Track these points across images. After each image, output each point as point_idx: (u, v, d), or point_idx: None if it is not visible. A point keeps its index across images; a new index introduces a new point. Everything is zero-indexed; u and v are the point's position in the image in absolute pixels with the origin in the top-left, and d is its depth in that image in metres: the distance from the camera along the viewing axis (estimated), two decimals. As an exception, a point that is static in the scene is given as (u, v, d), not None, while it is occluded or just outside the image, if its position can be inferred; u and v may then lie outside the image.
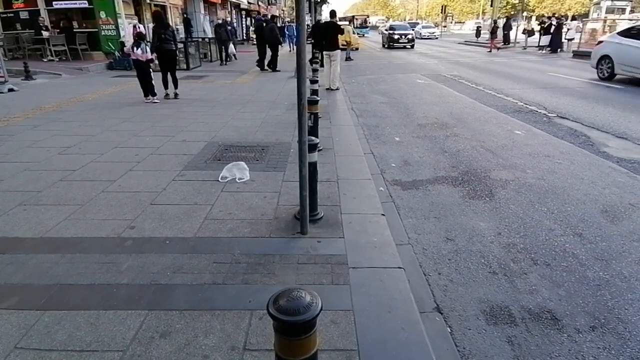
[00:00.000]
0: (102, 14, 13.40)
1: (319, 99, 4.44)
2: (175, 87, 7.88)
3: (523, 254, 2.85)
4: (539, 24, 22.36)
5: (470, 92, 9.29)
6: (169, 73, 7.70)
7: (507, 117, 6.90)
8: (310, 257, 2.49)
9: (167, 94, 7.83)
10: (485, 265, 2.72)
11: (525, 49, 20.91)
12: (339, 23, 10.19)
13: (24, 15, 13.94)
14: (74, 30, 13.92)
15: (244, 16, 33.33)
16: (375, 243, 2.68)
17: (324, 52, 9.47)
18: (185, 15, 18.55)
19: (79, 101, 7.55)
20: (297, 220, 2.89)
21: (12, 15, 14.20)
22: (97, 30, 13.68)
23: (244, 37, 30.93)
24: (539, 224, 3.26)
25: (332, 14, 9.63)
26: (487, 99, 8.45)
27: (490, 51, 20.28)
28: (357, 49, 22.22)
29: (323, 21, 11.52)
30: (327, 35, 9.24)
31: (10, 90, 8.49)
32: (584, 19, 20.40)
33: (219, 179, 3.69)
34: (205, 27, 20.49)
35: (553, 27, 18.30)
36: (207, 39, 16.45)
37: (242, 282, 2.25)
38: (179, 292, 2.16)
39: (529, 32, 21.99)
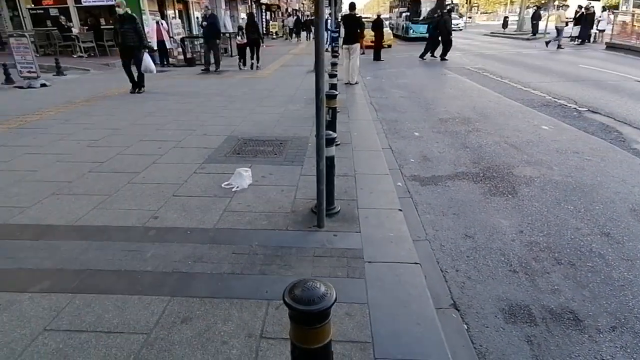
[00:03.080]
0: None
1: (337, 93, 4.43)
2: (258, 61, 11.98)
3: (546, 252, 2.78)
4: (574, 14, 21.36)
5: (495, 86, 9.04)
6: (252, 52, 11.80)
7: (534, 111, 6.68)
8: (326, 250, 2.52)
9: (252, 64, 11.87)
10: (505, 263, 2.68)
11: (556, 40, 20.06)
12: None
13: (53, 12, 14.50)
14: (101, 27, 14.37)
15: (264, 10, 33.44)
16: (391, 238, 2.68)
17: (343, 46, 9.42)
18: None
19: (106, 96, 7.82)
20: (313, 214, 2.92)
21: (41, 12, 14.79)
22: (123, 26, 14.06)
23: (264, 32, 31.07)
24: (564, 222, 3.16)
25: (352, 6, 9.53)
26: (512, 93, 8.20)
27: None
28: (389, 46, 19.12)
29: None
30: (346, 29, 9.17)
31: (43, 85, 8.87)
32: (614, 11, 19.38)
33: (222, 185, 3.49)
34: (226, 22, 20.70)
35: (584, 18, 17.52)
36: (227, 34, 16.65)
37: (260, 272, 2.31)
38: (200, 281, 2.23)
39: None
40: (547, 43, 17.05)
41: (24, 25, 14.78)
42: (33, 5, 14.73)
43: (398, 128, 5.97)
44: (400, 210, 3.09)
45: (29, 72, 8.84)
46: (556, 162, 4.40)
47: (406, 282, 2.23)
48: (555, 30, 20.69)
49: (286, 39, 27.43)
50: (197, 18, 18.43)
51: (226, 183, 3.51)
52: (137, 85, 8.07)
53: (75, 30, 14.43)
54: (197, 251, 2.51)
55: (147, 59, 8.04)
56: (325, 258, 2.44)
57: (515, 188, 3.80)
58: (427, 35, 21.60)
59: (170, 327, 1.90)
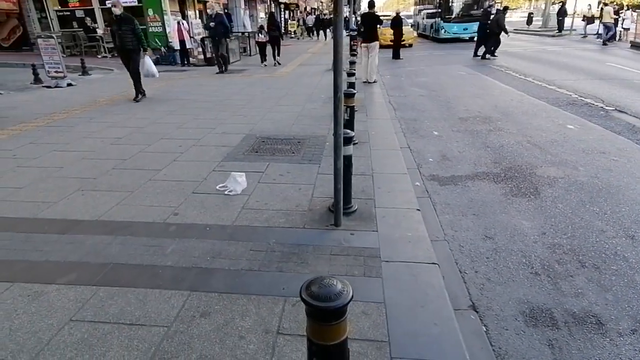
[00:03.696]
0: (150, 12, 14.09)
1: (355, 92, 4.42)
2: (278, 55, 12.74)
3: (570, 255, 2.70)
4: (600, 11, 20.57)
5: (518, 84, 8.81)
6: (273, 49, 12.62)
7: (559, 110, 6.48)
8: (343, 249, 2.52)
9: (275, 62, 12.56)
10: (526, 265, 2.61)
11: (584, 37, 19.43)
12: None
13: (79, 14, 14.97)
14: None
15: (282, 9, 33.60)
16: (409, 238, 2.65)
17: (362, 44, 9.36)
18: (226, 11, 19.05)
19: (129, 95, 8.02)
20: (331, 213, 2.92)
21: (68, 13, 15.29)
22: (145, 27, 14.40)
23: (284, 31, 31.24)
24: (589, 224, 3.06)
25: (371, 4, 9.47)
26: (536, 91, 7.98)
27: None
28: (410, 45, 18.16)
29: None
30: (365, 27, 9.12)
31: (69, 85, 9.18)
32: (636, 10, 18.59)
33: (217, 188, 3.45)
34: (245, 21, 20.96)
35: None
36: (246, 34, 16.85)
37: (277, 269, 2.33)
38: (218, 276, 2.27)
39: (589, 20, 20.35)
40: (604, 42, 16.29)
41: (51, 26, 15.33)
42: (60, 7, 15.25)
43: (417, 127, 5.90)
44: (419, 210, 3.06)
45: (56, 72, 9.16)
46: (582, 163, 4.26)
47: (424, 282, 2.21)
48: (583, 25, 20.07)
49: (302, 37, 27.54)
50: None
51: (221, 185, 3.47)
52: (135, 91, 7.41)
53: (99, 31, 14.87)
54: (215, 247, 2.55)
55: (148, 62, 7.44)
56: (342, 256, 2.44)
57: (538, 189, 3.70)
58: (461, 36, 19.04)
59: (190, 321, 1.94)
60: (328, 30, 23.77)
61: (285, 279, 2.24)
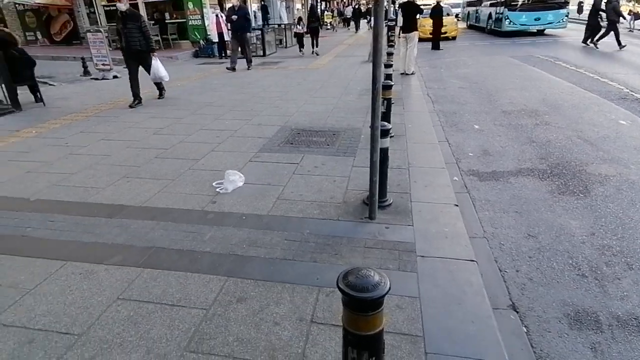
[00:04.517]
0: (190, 5, 14.48)
1: (392, 83, 4.32)
2: (317, 46, 13.44)
3: (618, 257, 2.53)
4: None
5: (567, 76, 8.26)
6: (312, 40, 13.49)
7: (612, 104, 6.02)
8: (377, 242, 2.50)
9: (312, 52, 13.26)
10: (572, 266, 2.47)
11: (631, 31, 17.97)
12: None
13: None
14: (166, 21, 15.26)
15: (319, 1, 33.35)
16: (446, 233, 2.58)
17: (401, 35, 9.13)
18: (262, 3, 19.23)
19: (169, 87, 8.32)
20: (365, 206, 2.90)
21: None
22: (185, 20, 14.85)
23: (321, 23, 31.01)
24: (638, 225, 2.85)
25: (410, -7, 9.19)
26: (588, 84, 7.45)
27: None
28: (454, 38, 16.54)
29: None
30: (404, 16, 8.88)
31: (115, 77, 9.68)
32: None
33: (213, 184, 3.43)
34: (281, 13, 21.04)
35: None
36: (283, 25, 16.94)
37: (311, 260, 2.35)
38: (254, 264, 2.33)
39: (635, 15, 18.78)
40: None
41: (99, 21, 16.15)
42: (107, 2, 16.02)
43: (456, 120, 5.70)
44: (457, 205, 2.97)
45: (103, 64, 9.68)
46: (634, 161, 3.95)
47: (461, 279, 2.15)
48: (630, 19, 18.45)
49: (337, 30, 27.25)
50: (254, 12, 18.85)
51: (217, 182, 3.45)
52: (158, 90, 7.28)
53: (143, 25, 15.46)
54: (251, 236, 2.62)
55: (156, 64, 6.77)
56: (376, 250, 2.42)
57: (587, 187, 3.47)
58: (531, 27, 15.98)
59: (227, 305, 2.01)
60: (365, 20, 23.42)
61: (319, 269, 2.26)
